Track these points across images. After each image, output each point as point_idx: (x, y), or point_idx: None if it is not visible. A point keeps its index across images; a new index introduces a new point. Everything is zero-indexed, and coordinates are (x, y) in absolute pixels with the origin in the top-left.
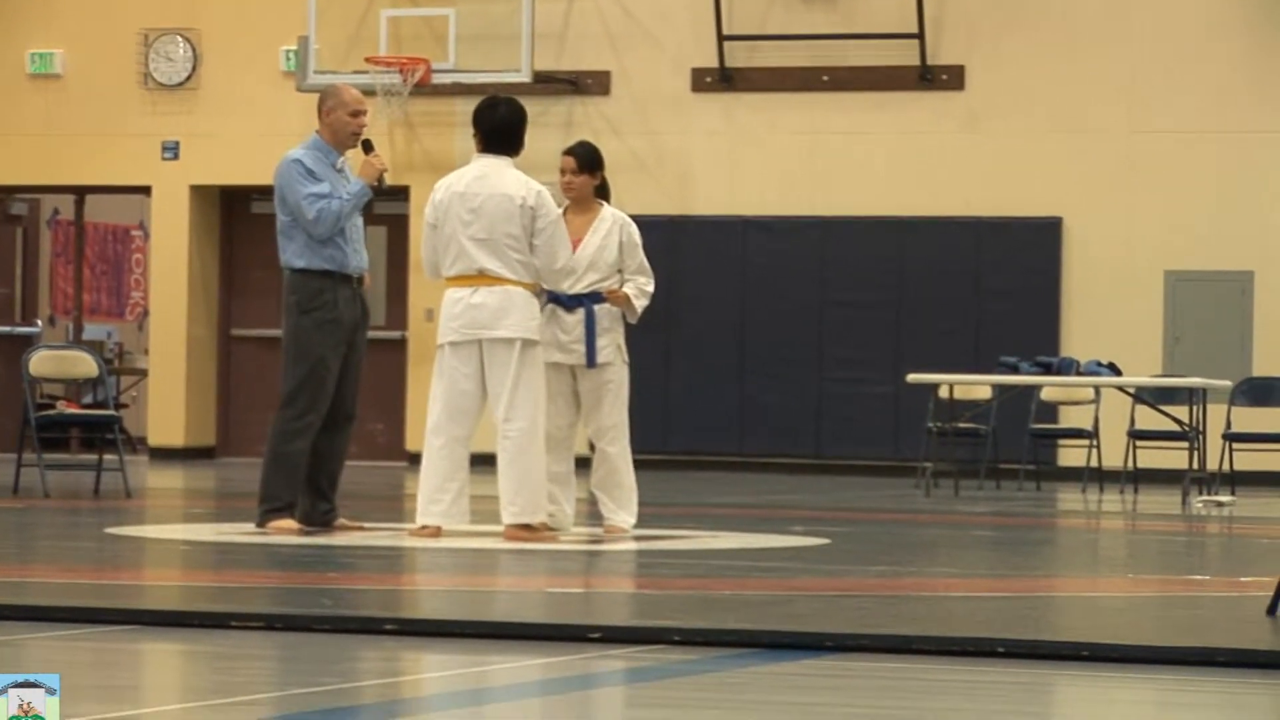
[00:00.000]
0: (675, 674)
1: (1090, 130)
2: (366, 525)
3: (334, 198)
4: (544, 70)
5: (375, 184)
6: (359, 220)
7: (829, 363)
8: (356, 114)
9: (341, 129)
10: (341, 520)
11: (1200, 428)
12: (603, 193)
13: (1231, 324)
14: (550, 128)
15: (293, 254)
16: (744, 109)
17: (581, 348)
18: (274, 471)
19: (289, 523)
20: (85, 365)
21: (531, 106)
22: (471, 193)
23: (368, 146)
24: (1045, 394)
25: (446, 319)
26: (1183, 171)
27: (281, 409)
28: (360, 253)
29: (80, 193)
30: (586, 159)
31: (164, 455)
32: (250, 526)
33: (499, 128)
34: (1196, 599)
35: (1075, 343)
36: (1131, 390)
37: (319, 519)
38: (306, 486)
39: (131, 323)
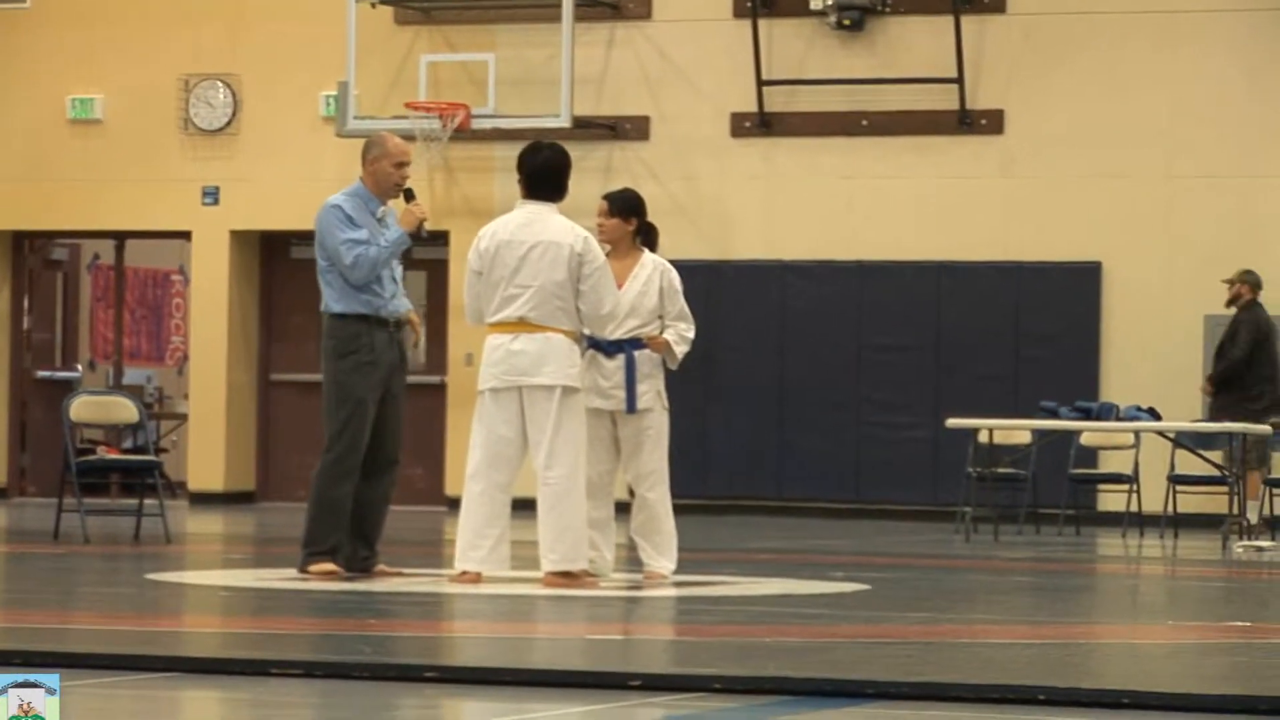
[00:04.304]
0: None
1: (1130, 174)
2: (406, 571)
3: (371, 244)
4: (583, 115)
5: (415, 232)
6: (397, 265)
7: (868, 407)
8: (401, 165)
9: (385, 179)
10: (381, 566)
11: (1240, 473)
12: (648, 240)
13: None
14: (589, 172)
15: (332, 299)
16: (783, 153)
17: (622, 393)
18: (319, 515)
19: (330, 566)
20: (125, 410)
21: (571, 151)
22: (518, 240)
23: (409, 195)
24: (1085, 439)
25: (487, 365)
26: (1222, 215)
27: (325, 453)
28: (400, 297)
29: (120, 238)
30: (619, 203)
31: (204, 500)
32: (291, 572)
33: (543, 173)
34: (1237, 646)
35: (1115, 387)
36: (1171, 435)
37: (359, 565)
38: (353, 531)
39: (171, 367)
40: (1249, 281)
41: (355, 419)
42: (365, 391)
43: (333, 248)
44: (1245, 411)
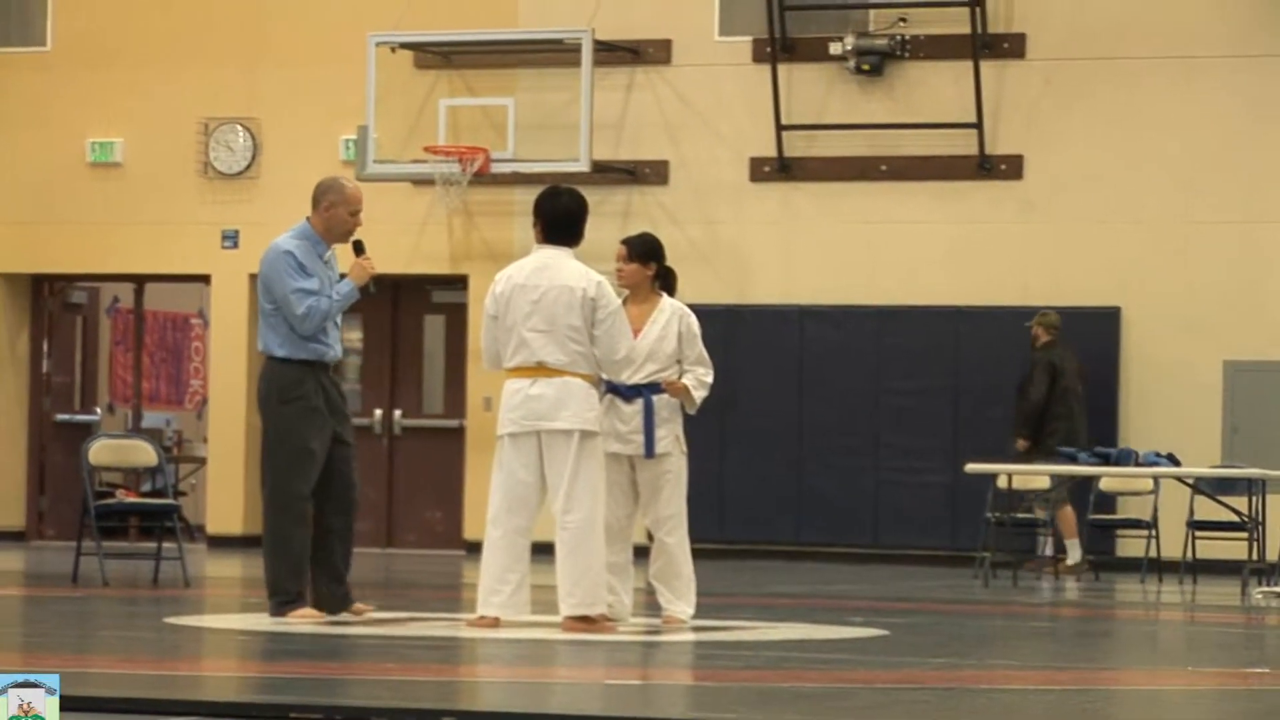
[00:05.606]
0: None
1: (1149, 219)
2: (421, 615)
3: (323, 296)
4: (602, 160)
5: (363, 286)
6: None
7: (886, 452)
8: (355, 213)
9: (339, 225)
10: (358, 605)
11: (1260, 518)
12: (667, 285)
13: None
14: (608, 217)
15: (274, 343)
16: (802, 198)
17: (640, 438)
18: (279, 563)
19: (311, 611)
20: (144, 454)
21: (590, 196)
22: (532, 284)
23: (359, 248)
24: (1104, 484)
25: (506, 410)
26: (1241, 260)
27: (272, 500)
28: (339, 343)
29: (140, 281)
30: (637, 248)
31: (222, 543)
32: (311, 615)
33: (560, 218)
34: (1257, 692)
35: (1134, 433)
36: (1190, 481)
37: (338, 601)
38: (321, 569)
39: (190, 411)
40: (1044, 324)
41: (299, 464)
42: (311, 437)
43: (282, 295)
44: (1044, 447)
